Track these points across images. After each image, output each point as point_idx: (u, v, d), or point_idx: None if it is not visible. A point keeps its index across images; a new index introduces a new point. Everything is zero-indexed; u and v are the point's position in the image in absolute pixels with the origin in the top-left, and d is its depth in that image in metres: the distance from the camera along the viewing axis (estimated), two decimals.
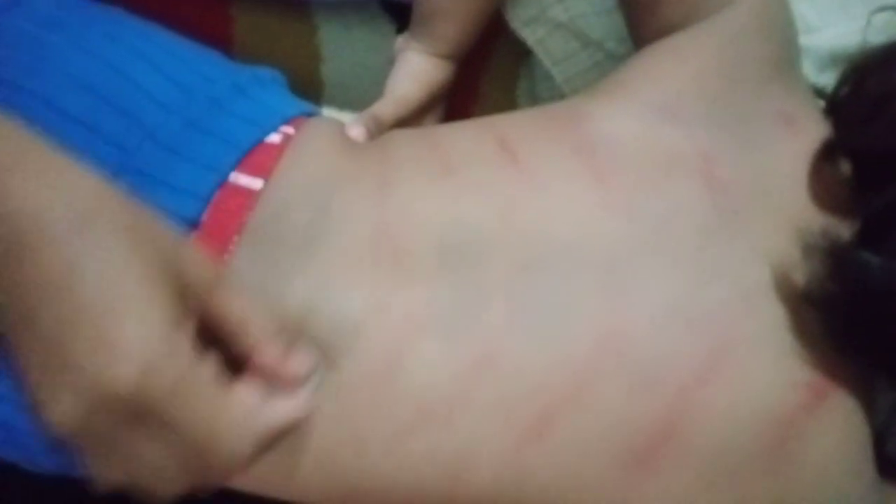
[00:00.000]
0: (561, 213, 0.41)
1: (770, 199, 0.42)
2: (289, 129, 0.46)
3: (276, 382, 0.36)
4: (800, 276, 0.40)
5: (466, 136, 0.46)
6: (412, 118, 0.55)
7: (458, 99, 0.60)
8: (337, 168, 0.44)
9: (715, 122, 0.43)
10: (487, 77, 0.64)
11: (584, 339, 0.39)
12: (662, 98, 0.44)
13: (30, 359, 0.31)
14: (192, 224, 0.41)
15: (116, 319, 0.31)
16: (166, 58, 0.45)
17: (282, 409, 0.35)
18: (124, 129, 0.41)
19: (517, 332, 0.39)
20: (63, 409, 0.30)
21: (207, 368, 0.33)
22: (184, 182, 0.41)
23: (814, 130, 0.44)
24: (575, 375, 0.38)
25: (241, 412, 0.34)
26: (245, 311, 0.35)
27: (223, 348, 0.35)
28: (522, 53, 0.61)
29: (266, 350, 0.36)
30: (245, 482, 0.41)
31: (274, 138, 0.45)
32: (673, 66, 0.45)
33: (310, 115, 0.48)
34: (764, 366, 0.39)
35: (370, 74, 0.63)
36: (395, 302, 0.40)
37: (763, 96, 0.44)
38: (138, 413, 0.31)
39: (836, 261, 0.38)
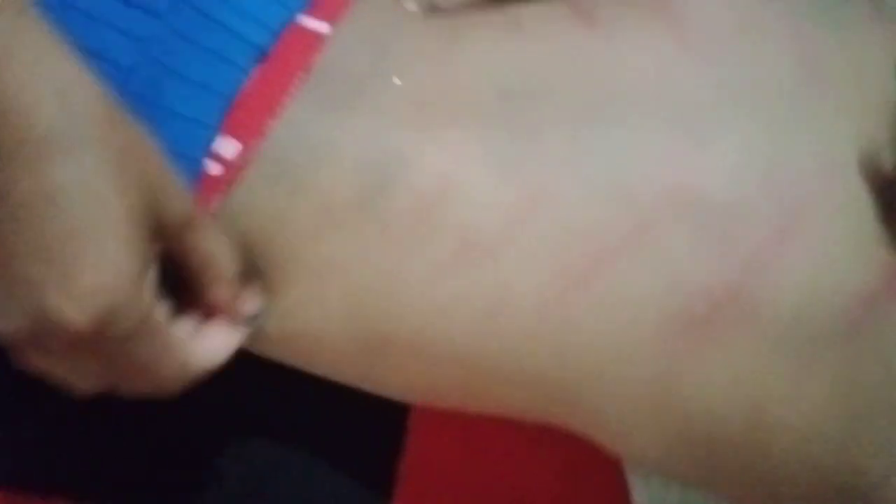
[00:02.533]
0: (636, 63, 0.39)
1: (861, 82, 0.40)
2: None
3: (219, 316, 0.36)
4: (887, 160, 0.38)
5: (539, 4, 0.43)
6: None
7: None
8: (404, 19, 0.42)
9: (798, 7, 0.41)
10: None
11: (651, 184, 0.36)
12: None
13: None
14: (259, 53, 0.38)
15: (87, 256, 0.30)
16: None
17: (224, 342, 0.36)
18: None
19: (577, 172, 0.37)
20: (4, 317, 0.30)
21: (165, 306, 0.34)
22: (254, 8, 0.39)
23: None
24: (635, 221, 0.36)
25: (191, 347, 0.35)
26: (216, 247, 0.35)
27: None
28: None
29: (219, 292, 0.36)
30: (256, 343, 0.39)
31: None
32: None
33: None
34: (844, 239, 0.36)
35: None
36: (448, 136, 0.38)
37: None
38: (84, 344, 0.31)
39: None
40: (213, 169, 0.37)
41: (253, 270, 0.38)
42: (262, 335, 0.38)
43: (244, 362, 0.38)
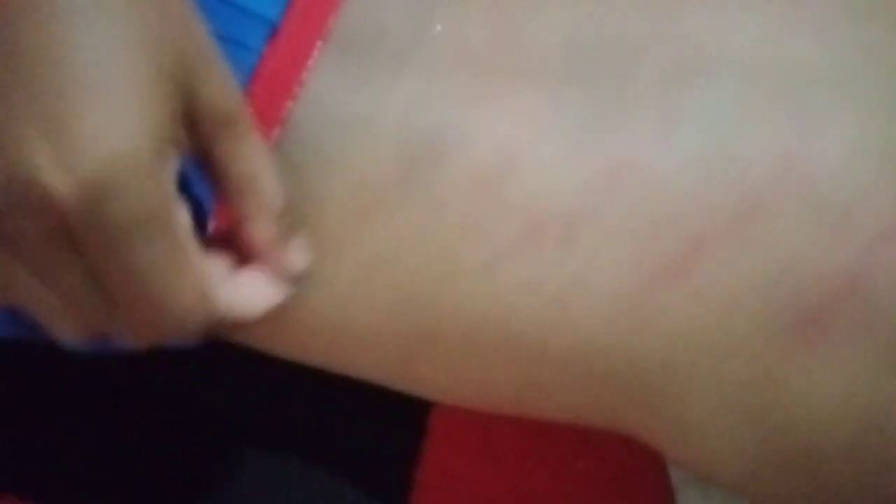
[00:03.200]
0: (737, 23, 0.34)
1: None
2: None
3: (259, 264, 0.31)
4: None
5: None
6: None
7: None
8: None
9: None
10: None
11: (759, 161, 0.31)
12: None
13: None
14: (271, 27, 0.35)
15: (91, 108, 0.24)
16: None
17: (251, 295, 0.31)
18: None
19: (669, 141, 0.32)
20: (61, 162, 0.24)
21: (184, 216, 0.27)
22: None
23: None
24: (742, 202, 0.31)
25: (207, 279, 0.28)
26: (259, 167, 0.30)
27: None
28: None
29: (263, 226, 0.31)
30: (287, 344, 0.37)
31: None
32: None
33: None
34: None
35: None
36: (514, 100, 0.33)
37: None
38: (65, 230, 0.25)
39: None
40: None
41: (299, 224, 0.33)
42: (297, 334, 0.36)
43: (255, 362, 0.36)
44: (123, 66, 0.25)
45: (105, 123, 0.24)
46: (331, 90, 0.34)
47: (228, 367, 0.38)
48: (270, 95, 0.35)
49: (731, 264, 0.31)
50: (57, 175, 0.24)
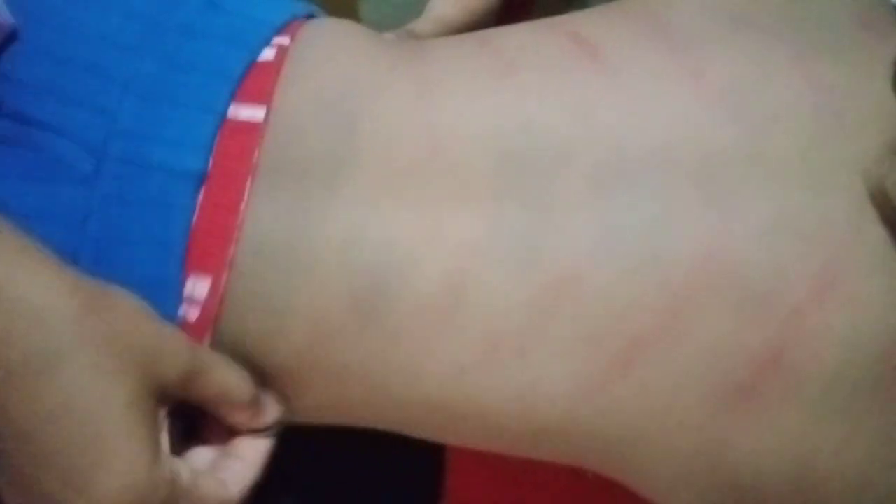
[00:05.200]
0: (651, 113, 0.35)
1: (867, 104, 0.35)
2: (283, 40, 0.39)
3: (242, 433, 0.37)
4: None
5: (525, 33, 0.40)
6: None
7: None
8: (354, 79, 0.38)
9: (797, 25, 0.37)
10: (538, 10, 0.55)
11: (683, 258, 0.34)
12: (734, 4, 0.38)
13: (7, 487, 0.31)
14: (198, 178, 0.36)
15: (99, 462, 0.30)
16: None
17: (246, 471, 0.36)
18: (99, 88, 0.36)
19: (602, 253, 0.34)
20: None
21: (185, 471, 0.34)
22: (179, 132, 0.36)
23: (893, 35, 0.37)
24: (672, 300, 0.34)
25: (220, 490, 0.35)
26: (224, 391, 0.35)
27: None
28: None
29: (239, 416, 0.36)
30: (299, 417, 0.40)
31: (267, 55, 0.39)
32: None
33: (308, 16, 0.42)
34: (881, 285, 0.33)
35: (411, 16, 0.55)
36: (451, 224, 0.35)
37: (837, 1, 0.38)
38: None
39: None
40: (191, 314, 0.36)
41: (263, 379, 0.38)
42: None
43: None
44: (103, 405, 0.30)
45: (113, 464, 0.30)
46: (270, 228, 0.36)
47: None
48: (214, 240, 0.36)
49: (669, 356, 0.34)
50: None
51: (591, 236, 0.34)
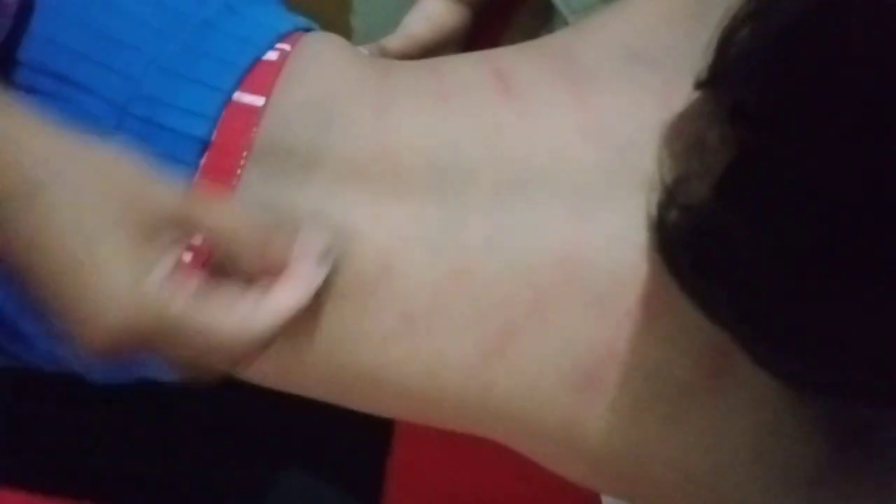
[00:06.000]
0: (542, 139, 0.43)
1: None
2: (285, 46, 0.47)
3: (284, 274, 0.39)
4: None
5: (466, 64, 0.47)
6: (420, 58, 0.55)
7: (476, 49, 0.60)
8: (336, 86, 0.45)
9: (678, 57, 0.43)
10: (509, 34, 0.64)
11: (546, 259, 0.41)
12: (633, 38, 0.45)
13: (42, 302, 0.35)
14: (203, 144, 0.43)
15: (92, 272, 0.34)
16: None
17: (277, 303, 0.38)
18: (128, 58, 0.43)
19: (489, 250, 0.42)
20: (82, 342, 0.35)
21: (187, 291, 0.36)
22: (191, 103, 0.43)
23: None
24: (536, 293, 0.41)
25: (237, 318, 0.37)
26: (224, 218, 0.38)
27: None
28: (545, 9, 0.62)
29: (252, 246, 0.39)
30: (247, 374, 0.45)
31: (270, 56, 0.46)
32: (644, 4, 0.46)
33: (306, 30, 0.50)
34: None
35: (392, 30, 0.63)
36: (389, 214, 0.42)
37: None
38: (142, 340, 0.35)
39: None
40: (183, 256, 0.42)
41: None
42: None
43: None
44: (92, 231, 0.35)
45: (110, 281, 0.34)
46: (256, 193, 0.43)
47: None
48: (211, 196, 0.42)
49: (534, 342, 0.41)
50: (90, 340, 0.35)
51: (483, 236, 0.42)
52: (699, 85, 0.35)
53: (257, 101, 0.44)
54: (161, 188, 0.37)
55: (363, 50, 0.53)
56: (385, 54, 0.56)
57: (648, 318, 0.39)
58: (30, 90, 0.42)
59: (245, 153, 0.43)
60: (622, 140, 0.42)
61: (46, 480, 0.52)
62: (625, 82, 0.43)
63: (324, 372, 0.44)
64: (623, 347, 0.40)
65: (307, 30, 0.49)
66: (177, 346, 0.36)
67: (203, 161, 0.43)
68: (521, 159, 0.42)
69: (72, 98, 0.42)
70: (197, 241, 0.39)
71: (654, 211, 0.36)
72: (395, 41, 0.56)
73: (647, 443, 0.40)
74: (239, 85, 0.44)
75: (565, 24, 0.59)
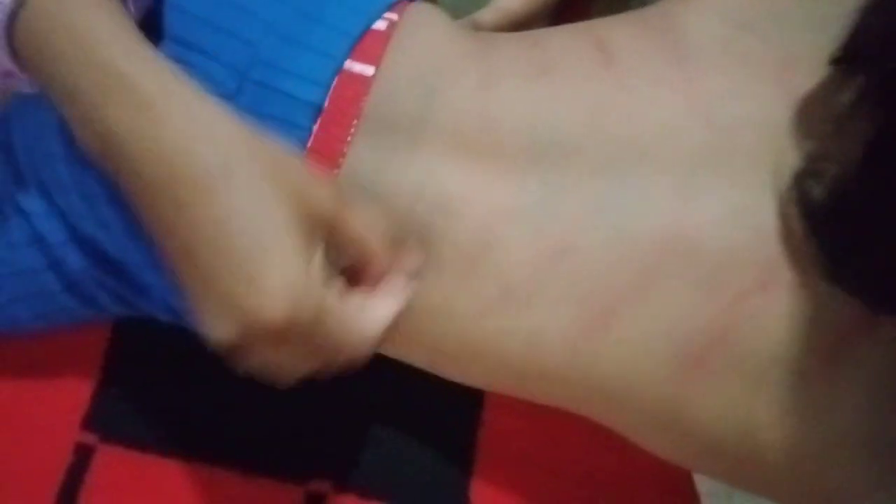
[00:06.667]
0: (646, 115, 0.43)
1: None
2: (392, 16, 0.48)
3: (386, 281, 0.42)
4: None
5: (567, 36, 0.47)
6: (512, 31, 0.56)
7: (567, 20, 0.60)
8: (442, 59, 0.46)
9: (792, 29, 0.43)
10: (598, 5, 0.63)
11: (653, 238, 0.41)
12: (741, 8, 0.44)
13: (191, 284, 0.37)
14: (316, 110, 0.44)
15: (264, 262, 0.36)
16: None
17: (389, 306, 0.42)
18: (247, 24, 0.44)
19: (592, 228, 0.42)
20: (220, 330, 0.37)
21: (336, 289, 0.39)
22: (306, 69, 0.44)
23: None
24: (642, 272, 0.41)
25: (363, 319, 0.40)
26: (365, 228, 0.40)
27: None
28: None
29: (381, 260, 0.41)
30: None
31: (380, 25, 0.47)
32: None
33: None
34: (816, 291, 0.38)
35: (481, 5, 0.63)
36: (490, 189, 0.43)
37: (840, 3, 0.42)
38: (283, 335, 0.37)
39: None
40: None
41: (404, 233, 0.43)
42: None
43: None
44: (268, 217, 0.36)
45: (277, 264, 0.36)
46: (363, 160, 0.44)
47: None
48: (322, 160, 0.44)
49: (639, 321, 0.41)
50: (266, 307, 0.36)
51: (585, 212, 0.42)
52: (837, 60, 0.34)
53: (367, 70, 0.45)
54: (322, 189, 0.39)
55: (457, 24, 0.53)
56: (478, 28, 0.56)
57: (762, 301, 0.39)
58: None
59: (355, 121, 0.44)
60: (731, 119, 0.41)
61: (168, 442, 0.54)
62: (734, 57, 0.43)
63: (423, 342, 0.46)
64: (733, 330, 0.39)
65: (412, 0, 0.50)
66: (315, 338, 0.38)
67: (316, 127, 0.44)
68: (624, 135, 0.42)
69: (196, 64, 0.43)
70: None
71: (793, 190, 0.35)
72: (487, 14, 0.56)
73: (757, 427, 0.40)
74: (350, 53, 0.45)
75: None
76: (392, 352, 0.48)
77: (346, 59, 0.45)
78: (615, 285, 0.41)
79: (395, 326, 0.42)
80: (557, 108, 0.44)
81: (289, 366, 0.40)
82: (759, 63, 0.42)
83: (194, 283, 0.37)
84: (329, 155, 0.44)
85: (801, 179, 0.35)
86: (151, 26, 0.43)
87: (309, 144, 0.44)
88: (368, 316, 0.41)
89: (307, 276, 0.37)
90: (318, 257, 0.38)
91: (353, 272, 0.42)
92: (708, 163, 0.41)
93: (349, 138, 0.44)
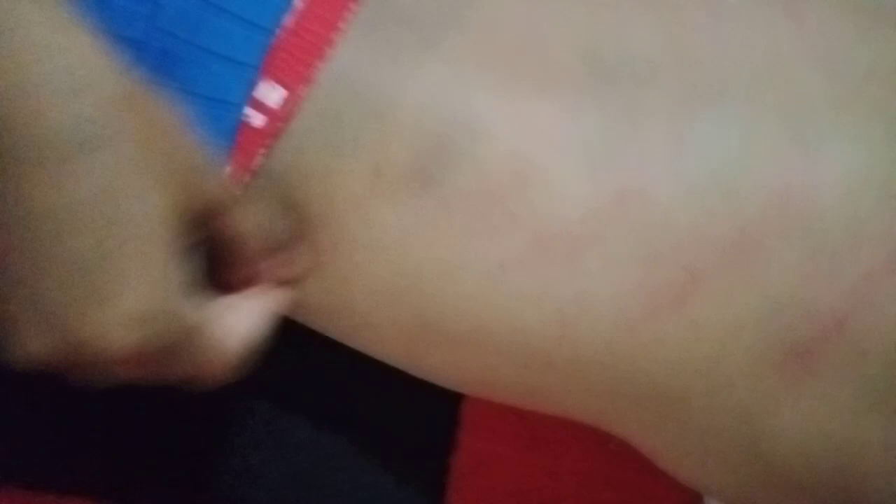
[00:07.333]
0: (744, 43, 0.34)
1: None
2: None
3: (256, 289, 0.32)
4: None
5: None
6: None
7: None
8: None
9: None
10: None
11: (759, 194, 0.32)
12: None
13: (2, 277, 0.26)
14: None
15: (119, 278, 0.26)
16: None
17: (252, 318, 0.32)
18: None
19: (675, 168, 0.32)
20: (33, 342, 0.27)
21: (196, 302, 0.29)
22: None
23: None
24: (739, 236, 0.31)
25: (222, 333, 0.30)
26: (249, 230, 0.31)
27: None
28: None
29: (256, 266, 0.32)
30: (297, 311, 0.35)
31: None
32: None
33: None
34: None
35: None
36: (531, 110, 0.32)
37: None
38: (123, 362, 0.27)
39: None
40: (255, 119, 0.32)
41: (296, 232, 0.33)
42: (304, 306, 0.34)
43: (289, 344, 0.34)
44: (134, 210, 0.26)
45: (141, 279, 0.26)
46: (356, 62, 0.33)
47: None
48: (301, 53, 0.32)
49: (727, 297, 0.31)
50: (112, 335, 0.26)
51: (664, 152, 0.32)
52: None
53: None
54: (212, 176, 0.30)
55: None
56: None
57: (894, 286, 0.30)
58: None
59: (341, 24, 0.33)
60: (852, 65, 0.34)
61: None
62: (845, 4, 0.36)
63: (408, 308, 0.33)
64: (854, 319, 0.31)
65: None
66: (164, 356, 0.28)
67: (303, 7, 0.32)
68: (716, 60, 0.33)
69: None
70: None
71: None
72: None
73: (863, 453, 0.32)
74: None
75: None
76: (358, 335, 0.36)
77: None
78: (698, 249, 0.31)
79: (260, 340, 0.31)
80: (626, 22, 0.34)
81: (126, 380, 0.29)
82: (872, 7, 0.36)
83: (7, 279, 0.26)
84: (312, 40, 0.32)
85: None
86: None
87: (288, 21, 0.32)
88: (228, 329, 0.31)
89: (178, 294, 0.28)
90: (186, 267, 0.28)
91: (217, 261, 0.31)
92: (827, 111, 0.33)
93: (341, 24, 0.33)
